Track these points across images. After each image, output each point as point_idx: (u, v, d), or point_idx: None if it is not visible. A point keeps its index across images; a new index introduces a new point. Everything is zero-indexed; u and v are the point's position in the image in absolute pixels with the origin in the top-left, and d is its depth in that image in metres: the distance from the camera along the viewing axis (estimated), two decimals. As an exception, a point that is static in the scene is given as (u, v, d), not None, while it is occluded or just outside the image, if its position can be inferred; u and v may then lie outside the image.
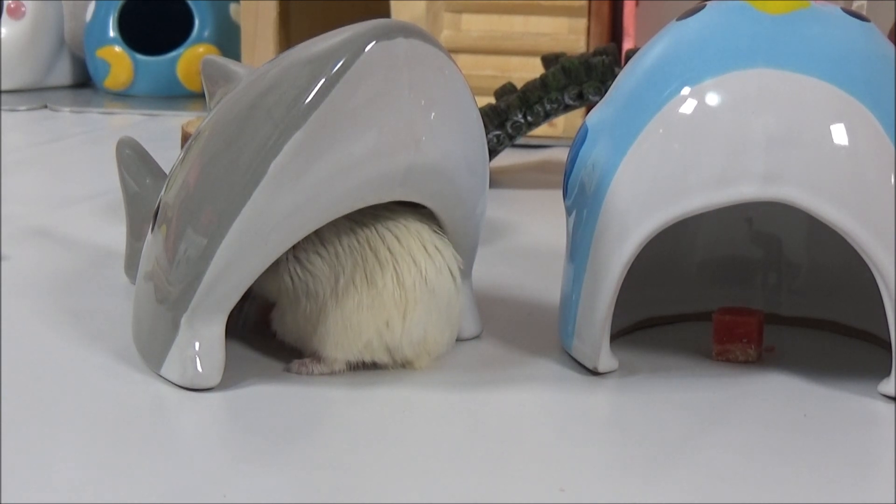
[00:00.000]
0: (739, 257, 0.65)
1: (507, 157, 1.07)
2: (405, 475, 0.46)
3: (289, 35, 1.35)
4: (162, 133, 1.22)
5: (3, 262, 0.73)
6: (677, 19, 0.59)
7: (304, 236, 0.54)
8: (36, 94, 1.56)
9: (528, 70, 1.07)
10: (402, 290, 0.54)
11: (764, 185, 0.52)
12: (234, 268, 0.53)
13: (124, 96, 1.57)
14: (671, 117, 0.54)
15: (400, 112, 0.53)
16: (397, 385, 0.56)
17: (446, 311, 0.56)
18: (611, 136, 0.57)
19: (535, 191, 1.01)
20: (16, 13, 1.59)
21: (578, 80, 0.92)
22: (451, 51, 0.59)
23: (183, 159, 0.57)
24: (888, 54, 0.56)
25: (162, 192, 0.58)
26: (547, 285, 0.68)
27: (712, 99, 0.54)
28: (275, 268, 0.55)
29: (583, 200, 0.57)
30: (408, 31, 0.54)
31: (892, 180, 0.53)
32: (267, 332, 0.58)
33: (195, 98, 1.53)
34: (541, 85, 0.94)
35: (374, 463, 0.48)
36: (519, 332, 0.63)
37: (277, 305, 0.57)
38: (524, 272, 0.75)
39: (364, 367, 0.57)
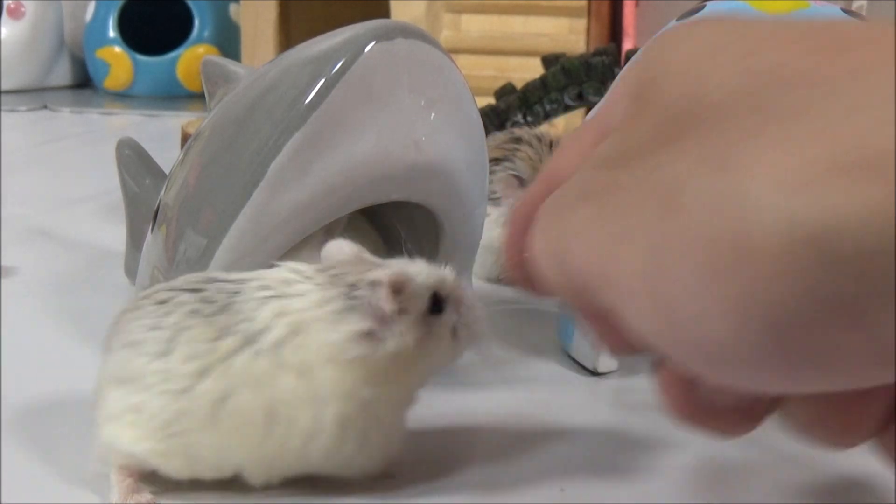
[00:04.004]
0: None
1: (507, 158, 1.07)
2: (403, 474, 0.46)
3: (289, 35, 1.35)
4: (162, 133, 1.22)
5: (10, 272, 0.73)
6: (677, 19, 0.59)
7: (304, 236, 0.54)
8: (36, 94, 1.57)
9: (527, 70, 1.08)
10: None
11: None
12: (233, 268, 0.53)
13: (124, 96, 1.57)
14: (671, 117, 0.54)
15: (399, 112, 0.53)
16: (397, 385, 0.56)
17: None
18: (611, 137, 0.57)
19: (534, 191, 1.01)
20: (16, 13, 1.60)
21: (578, 80, 0.92)
22: (451, 51, 0.59)
23: (183, 160, 0.57)
24: (888, 54, 0.56)
25: (162, 193, 0.58)
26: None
27: (712, 99, 0.54)
28: None
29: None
30: (407, 31, 0.54)
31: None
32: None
33: (195, 98, 1.53)
34: (541, 85, 0.94)
35: (374, 463, 0.48)
36: (519, 332, 0.63)
37: None
38: (524, 272, 0.75)
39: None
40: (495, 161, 0.70)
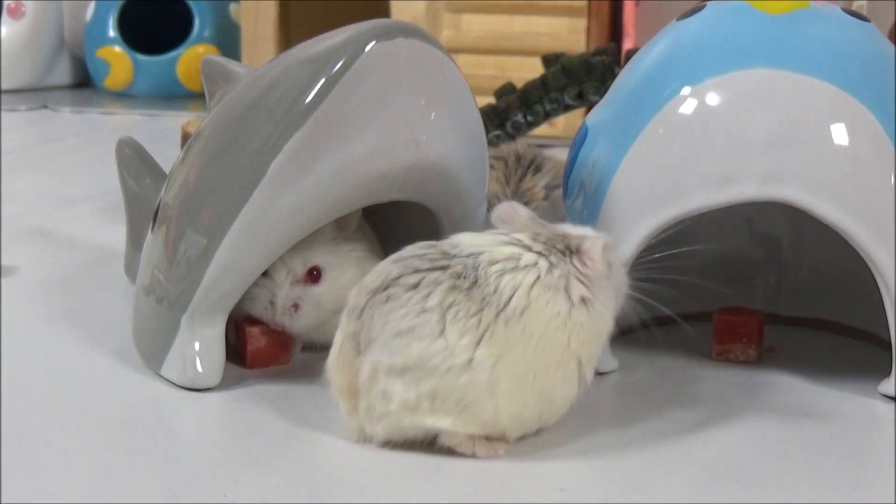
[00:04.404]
0: (739, 257, 0.65)
1: (507, 157, 1.07)
2: (404, 475, 0.46)
3: (289, 35, 1.35)
4: (162, 133, 1.22)
5: (10, 272, 0.73)
6: (677, 19, 0.59)
7: (304, 236, 0.54)
8: (36, 93, 1.56)
9: (528, 70, 1.07)
10: None
11: (764, 184, 0.52)
12: (233, 268, 0.53)
13: (124, 96, 1.57)
14: (671, 117, 0.54)
15: (400, 112, 0.53)
16: (397, 385, 0.56)
17: None
18: (611, 136, 0.57)
19: (535, 191, 1.01)
20: (16, 13, 1.60)
21: (578, 79, 0.92)
22: (451, 51, 0.59)
23: (183, 159, 0.57)
24: (888, 54, 0.56)
25: (162, 192, 0.58)
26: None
27: (712, 99, 0.54)
28: None
29: (583, 200, 0.57)
30: (407, 31, 0.54)
31: (892, 180, 0.53)
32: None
33: (195, 98, 1.53)
34: (541, 85, 0.93)
35: (373, 463, 0.48)
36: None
37: None
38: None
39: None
40: None
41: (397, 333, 0.46)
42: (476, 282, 0.47)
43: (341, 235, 0.57)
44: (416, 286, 0.47)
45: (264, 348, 0.57)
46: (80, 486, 0.45)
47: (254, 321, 0.57)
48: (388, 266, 0.48)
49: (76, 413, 0.52)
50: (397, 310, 0.47)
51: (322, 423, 0.51)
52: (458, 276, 0.47)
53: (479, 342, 0.46)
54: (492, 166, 0.67)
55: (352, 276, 0.56)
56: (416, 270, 0.48)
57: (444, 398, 0.46)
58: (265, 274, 0.55)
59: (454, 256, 0.48)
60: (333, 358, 0.48)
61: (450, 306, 0.47)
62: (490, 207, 0.64)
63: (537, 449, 0.49)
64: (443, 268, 0.48)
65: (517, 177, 0.66)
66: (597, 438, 0.51)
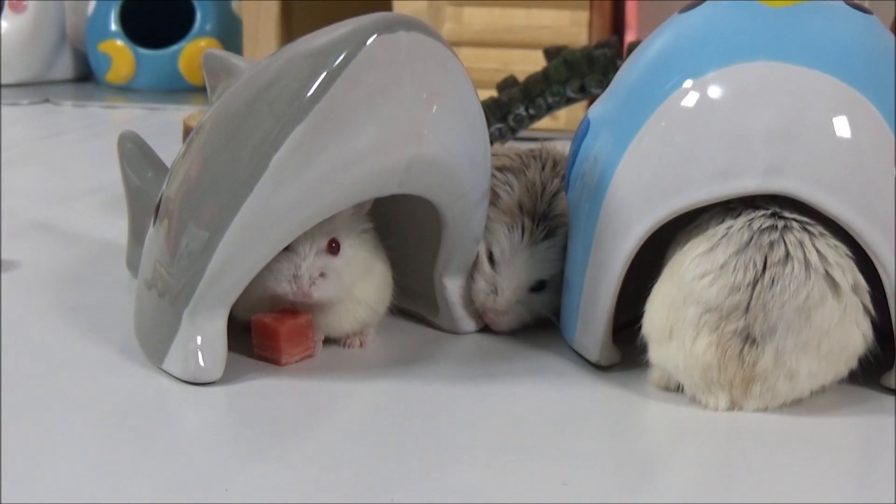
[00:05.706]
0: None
1: (509, 151, 1.07)
2: (407, 469, 0.46)
3: (290, 29, 1.35)
4: (163, 127, 1.22)
5: (11, 266, 0.73)
6: (679, 12, 0.59)
7: (306, 230, 0.54)
8: (38, 88, 1.56)
9: (530, 63, 1.07)
10: None
11: (766, 177, 0.52)
12: (235, 262, 0.53)
13: (126, 90, 1.57)
14: (673, 110, 0.54)
15: (401, 106, 0.53)
16: (398, 379, 0.56)
17: None
18: (613, 129, 0.57)
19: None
20: (17, 7, 1.59)
21: (580, 72, 0.92)
22: (453, 44, 0.59)
23: (184, 153, 0.57)
24: (890, 46, 0.56)
25: (163, 186, 0.58)
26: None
27: (714, 92, 0.54)
28: None
29: (585, 193, 0.57)
30: (409, 24, 0.53)
31: (894, 172, 0.53)
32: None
33: (197, 92, 1.53)
34: (543, 78, 0.93)
35: (375, 457, 0.48)
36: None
37: None
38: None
39: (361, 363, 0.57)
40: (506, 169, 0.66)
41: (797, 310, 0.48)
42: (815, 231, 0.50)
43: (359, 212, 0.57)
44: (787, 257, 0.49)
45: (292, 330, 0.57)
46: (81, 480, 0.45)
47: (265, 314, 0.57)
48: (735, 258, 0.49)
49: (78, 407, 0.52)
50: (788, 287, 0.48)
51: (324, 417, 0.51)
52: (804, 229, 0.50)
53: (851, 282, 0.49)
54: (538, 156, 0.66)
55: (363, 258, 0.57)
56: (772, 243, 0.49)
57: (839, 352, 0.50)
58: (287, 248, 0.55)
59: (779, 216, 0.50)
60: (710, 359, 0.49)
61: (823, 258, 0.49)
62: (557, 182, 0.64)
63: (539, 442, 0.49)
64: (787, 227, 0.50)
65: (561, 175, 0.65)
66: (599, 432, 0.51)
